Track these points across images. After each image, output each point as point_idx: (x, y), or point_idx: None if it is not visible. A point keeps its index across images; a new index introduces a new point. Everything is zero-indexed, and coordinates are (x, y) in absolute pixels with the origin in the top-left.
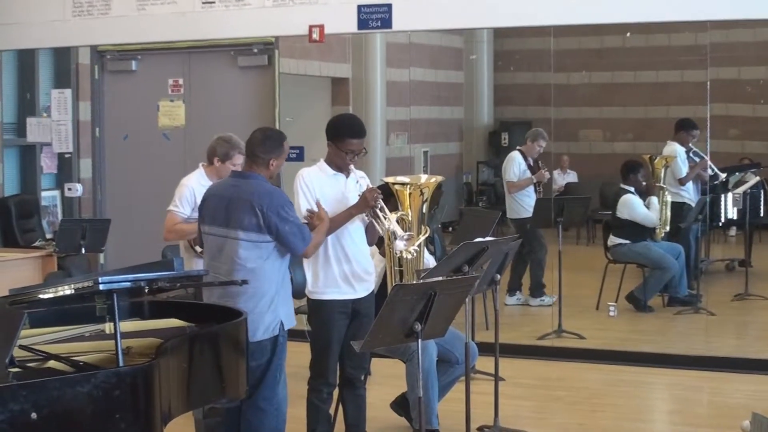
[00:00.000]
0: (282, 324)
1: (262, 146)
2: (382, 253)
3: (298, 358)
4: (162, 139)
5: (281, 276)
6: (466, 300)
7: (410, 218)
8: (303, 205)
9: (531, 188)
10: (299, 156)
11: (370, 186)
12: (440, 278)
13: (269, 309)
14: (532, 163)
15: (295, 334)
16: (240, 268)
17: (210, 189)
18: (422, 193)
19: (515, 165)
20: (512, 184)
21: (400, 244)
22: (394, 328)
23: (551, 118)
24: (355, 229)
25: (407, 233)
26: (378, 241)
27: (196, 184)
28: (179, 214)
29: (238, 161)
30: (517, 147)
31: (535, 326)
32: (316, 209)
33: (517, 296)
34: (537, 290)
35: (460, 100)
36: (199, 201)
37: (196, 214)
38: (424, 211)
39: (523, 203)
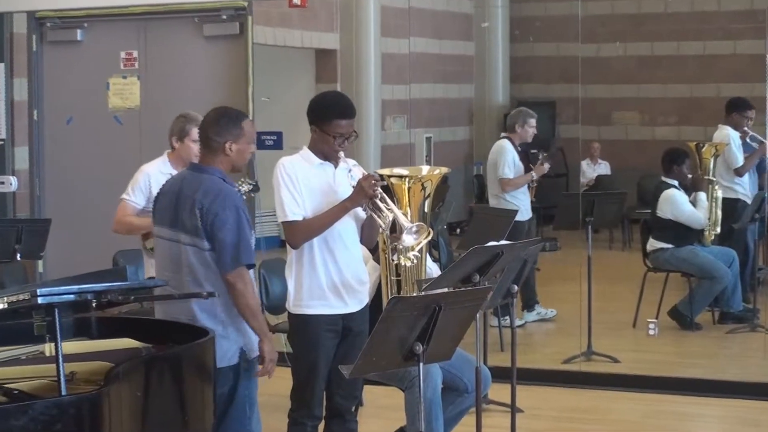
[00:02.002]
0: (243, 350)
1: (214, 126)
2: (377, 260)
3: (276, 385)
4: (113, 122)
5: None
6: (477, 316)
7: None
8: (287, 199)
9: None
10: (277, 143)
11: (366, 173)
12: (446, 290)
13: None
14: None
15: None
16: (190, 280)
17: (164, 184)
18: (424, 188)
19: (509, 157)
20: (508, 182)
21: (408, 239)
22: (391, 349)
23: (578, 98)
24: (346, 228)
25: (415, 224)
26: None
27: (154, 172)
28: (131, 203)
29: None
30: (503, 134)
31: (559, 347)
32: (301, 202)
33: (537, 311)
34: (532, 304)
35: (469, 76)
36: (155, 192)
37: (151, 206)
38: (426, 209)
39: (520, 202)
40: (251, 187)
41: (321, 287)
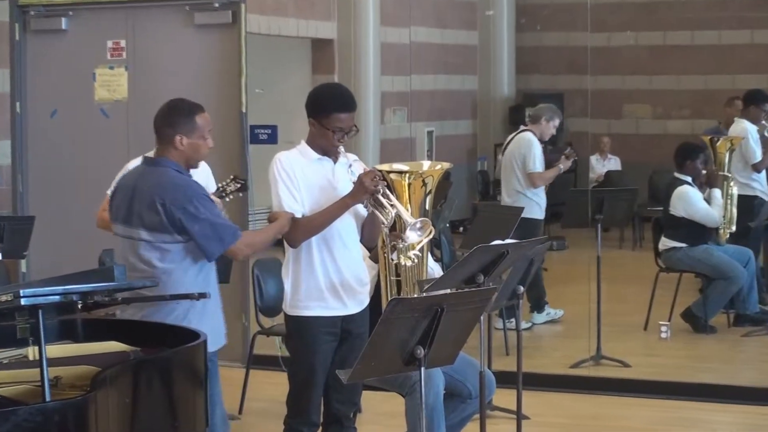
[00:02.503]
0: None
1: (164, 118)
2: (374, 258)
3: (271, 390)
4: (99, 115)
5: (199, 285)
6: (481, 318)
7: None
8: (285, 196)
9: None
10: (271, 137)
11: (367, 168)
12: (448, 291)
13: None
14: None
15: (268, 361)
16: (145, 276)
17: (120, 179)
18: (425, 184)
19: (538, 151)
20: (539, 176)
21: (412, 236)
22: (391, 353)
23: (587, 90)
24: (346, 227)
25: (419, 220)
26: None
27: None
28: None
29: None
30: (524, 127)
31: (567, 351)
32: (299, 198)
33: (546, 311)
34: (540, 304)
35: (473, 67)
36: None
37: None
38: (427, 206)
39: (541, 199)
40: (239, 186)
41: (319, 288)
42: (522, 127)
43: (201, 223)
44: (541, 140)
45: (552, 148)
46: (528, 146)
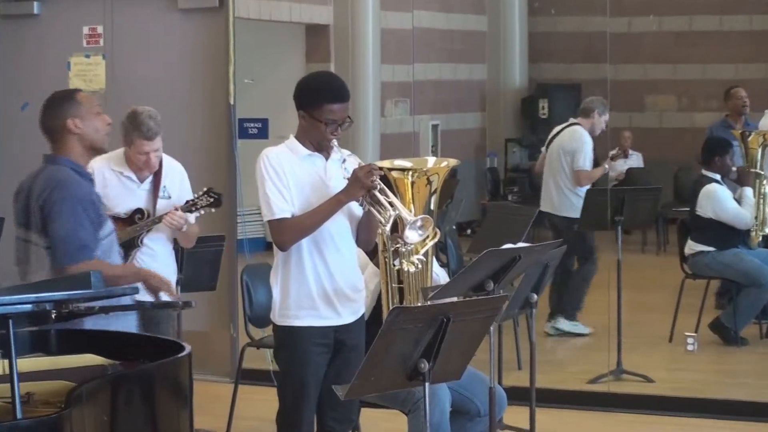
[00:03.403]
0: None
1: (47, 113)
2: (377, 264)
3: (260, 407)
4: None
5: None
6: (491, 329)
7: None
8: (273, 195)
9: None
10: (262, 131)
11: (362, 164)
12: (455, 299)
13: None
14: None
15: (258, 376)
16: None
17: (22, 182)
18: (430, 183)
19: (589, 148)
20: (587, 175)
21: (412, 235)
22: (392, 367)
23: (607, 80)
24: (339, 228)
25: (419, 217)
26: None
27: (102, 166)
28: None
29: (145, 148)
30: (573, 120)
31: (584, 365)
32: (289, 197)
33: (575, 323)
34: (573, 313)
35: (482, 54)
36: (100, 190)
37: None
38: (432, 207)
39: (577, 197)
40: (212, 200)
41: (310, 295)
42: (571, 120)
43: (61, 225)
44: (591, 135)
45: (620, 148)
46: (580, 141)
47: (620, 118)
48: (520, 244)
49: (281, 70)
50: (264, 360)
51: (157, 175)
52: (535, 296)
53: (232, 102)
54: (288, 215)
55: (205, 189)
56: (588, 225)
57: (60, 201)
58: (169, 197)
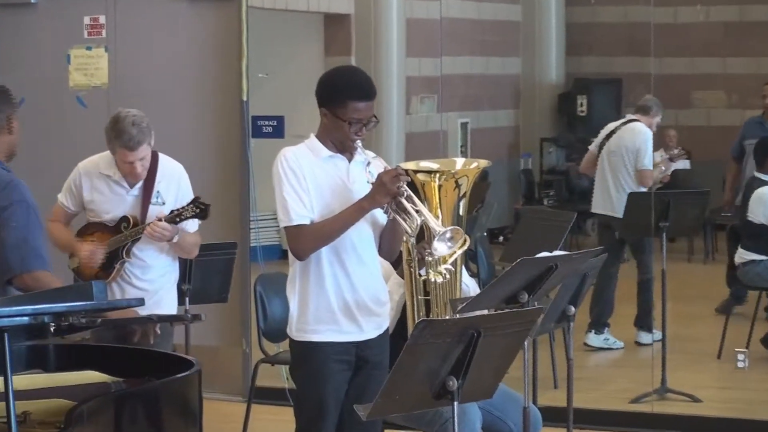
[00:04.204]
0: None
1: None
2: (402, 275)
3: (274, 428)
4: (75, 105)
5: None
6: (525, 344)
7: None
8: (291, 199)
9: None
10: (277, 130)
11: (388, 168)
12: (486, 312)
13: None
14: None
15: (273, 394)
16: None
17: None
18: (458, 186)
19: (651, 145)
20: (651, 174)
21: (440, 247)
22: (418, 385)
23: (650, 74)
24: (361, 237)
25: (449, 228)
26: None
27: (90, 169)
28: (61, 206)
29: (128, 158)
30: (631, 116)
31: (626, 383)
32: (308, 202)
33: (605, 335)
34: (645, 323)
35: (515, 47)
36: (86, 195)
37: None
38: (461, 212)
39: None
40: (198, 211)
41: (330, 308)
42: (629, 116)
43: (12, 232)
44: None
45: (681, 149)
46: (644, 139)
47: (665, 116)
48: (557, 252)
49: (298, 64)
50: (279, 377)
51: (149, 180)
52: (573, 309)
53: (245, 98)
54: (307, 221)
55: (192, 198)
56: (630, 231)
57: (13, 203)
58: (164, 203)
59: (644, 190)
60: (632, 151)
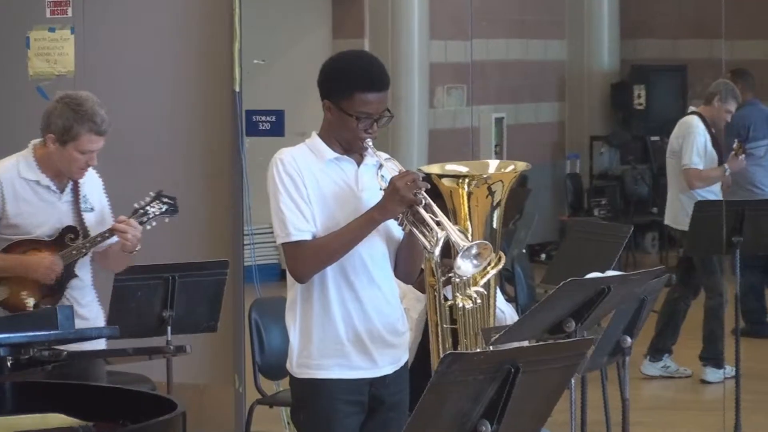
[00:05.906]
0: None
1: None
2: (420, 288)
3: None
4: (36, 96)
5: None
6: (572, 382)
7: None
8: (289, 212)
9: None
10: (276, 127)
11: (403, 170)
12: (525, 343)
13: None
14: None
15: None
16: None
17: None
18: (492, 193)
19: (699, 140)
20: (697, 174)
21: (465, 266)
22: (445, 430)
23: (721, 60)
24: (373, 254)
25: (475, 243)
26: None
27: (11, 176)
28: None
29: (93, 146)
30: (693, 109)
31: (693, 427)
32: (309, 214)
33: (663, 363)
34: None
35: (560, 28)
36: (10, 207)
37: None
38: (495, 225)
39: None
40: (166, 207)
41: (338, 340)
42: (691, 109)
43: None
44: (715, 126)
45: (741, 142)
46: (687, 133)
47: None
48: (610, 273)
49: (301, 49)
50: (278, 421)
51: (76, 183)
52: (629, 340)
53: (237, 89)
54: (307, 237)
55: (152, 194)
56: (696, 248)
57: None
58: (92, 209)
59: (713, 197)
60: (676, 149)
